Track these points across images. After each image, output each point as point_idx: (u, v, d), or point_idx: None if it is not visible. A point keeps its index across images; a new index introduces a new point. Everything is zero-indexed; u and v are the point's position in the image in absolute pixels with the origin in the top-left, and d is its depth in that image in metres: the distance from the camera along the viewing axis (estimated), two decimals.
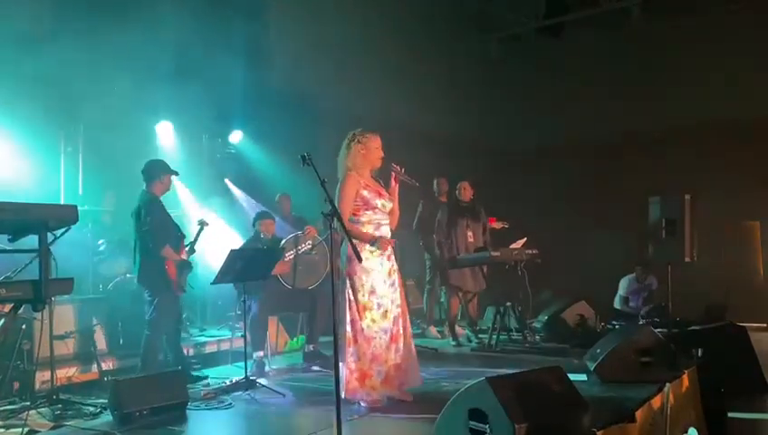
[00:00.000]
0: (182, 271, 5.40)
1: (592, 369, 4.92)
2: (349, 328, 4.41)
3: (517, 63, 9.56)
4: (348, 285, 4.44)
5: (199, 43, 7.12)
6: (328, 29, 8.06)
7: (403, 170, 4.57)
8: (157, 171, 5.31)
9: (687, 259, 6.37)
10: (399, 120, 8.61)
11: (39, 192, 6.27)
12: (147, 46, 6.64)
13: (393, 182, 4.60)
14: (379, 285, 4.43)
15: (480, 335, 7.17)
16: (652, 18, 8.80)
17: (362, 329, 4.39)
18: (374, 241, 4.42)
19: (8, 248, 3.20)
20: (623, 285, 8.00)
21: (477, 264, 7.04)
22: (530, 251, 6.87)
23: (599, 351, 5.06)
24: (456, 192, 7.42)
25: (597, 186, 8.57)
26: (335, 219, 3.64)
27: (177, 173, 5.47)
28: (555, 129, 8.97)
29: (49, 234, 3.03)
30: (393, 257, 4.62)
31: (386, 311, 4.45)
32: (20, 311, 3.37)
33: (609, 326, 7.26)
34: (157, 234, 5.17)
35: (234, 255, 5.21)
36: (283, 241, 6.29)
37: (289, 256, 6.22)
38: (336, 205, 4.10)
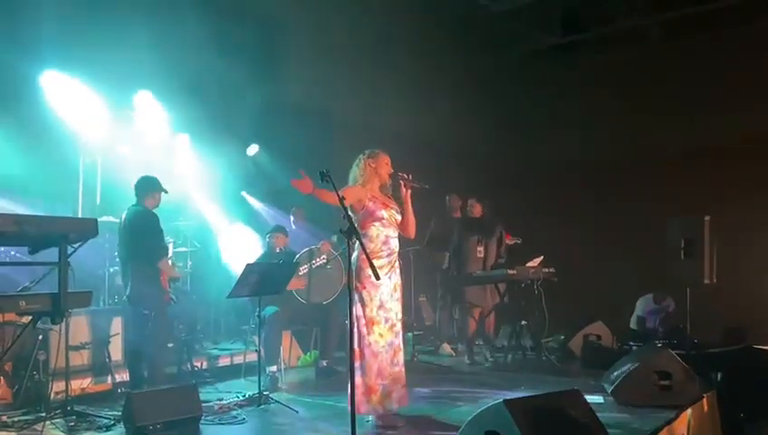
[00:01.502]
0: (172, 283, 5.50)
1: (610, 391, 4.86)
2: (356, 342, 4.36)
3: (533, 80, 9.54)
4: (356, 299, 4.40)
5: (216, 57, 7.20)
6: (344, 43, 8.10)
7: (410, 176, 4.57)
8: (150, 187, 5.30)
9: (707, 281, 6.29)
10: (415, 135, 8.62)
11: (58, 202, 6.35)
12: (164, 60, 6.73)
13: (403, 190, 4.57)
14: (386, 300, 4.42)
15: (495, 354, 7.11)
16: (671, 36, 8.76)
17: (370, 343, 4.37)
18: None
19: (29, 260, 3.21)
20: (640, 306, 7.91)
21: (493, 281, 7.00)
22: (546, 270, 6.81)
23: (616, 373, 5.00)
24: (467, 209, 7.39)
25: (615, 204, 8.50)
26: (354, 237, 3.63)
27: (166, 191, 5.44)
28: (572, 147, 8.92)
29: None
30: (399, 272, 4.60)
31: (392, 325, 4.45)
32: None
33: (625, 347, 7.16)
34: (157, 246, 5.19)
35: (249, 269, 5.22)
36: (297, 255, 6.29)
37: (303, 270, 6.23)
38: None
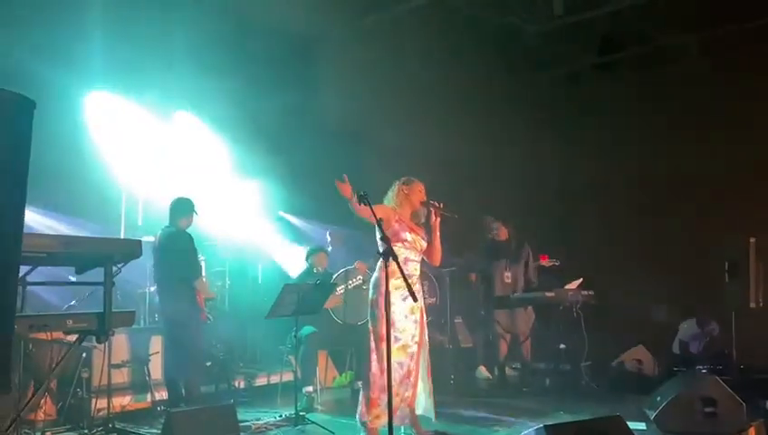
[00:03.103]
0: (207, 301, 5.61)
1: (652, 418, 4.74)
2: (372, 356, 4.47)
3: (571, 100, 9.48)
4: (372, 315, 4.53)
5: (252, 81, 7.33)
6: (379, 65, 8.17)
7: (442, 205, 4.66)
8: (184, 209, 5.43)
9: (753, 305, 6.11)
10: (450, 158, 8.61)
11: (101, 222, 6.51)
12: (204, 82, 6.88)
13: (434, 217, 4.66)
14: (398, 319, 4.47)
15: (533, 378, 6.99)
16: (711, 55, 8.61)
17: (378, 359, 4.44)
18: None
19: (75, 281, 3.30)
20: (683, 330, 7.70)
21: (532, 304, 6.91)
22: (586, 292, 6.70)
23: (659, 399, 4.88)
24: (493, 232, 7.27)
25: (656, 225, 8.33)
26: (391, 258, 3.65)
27: (197, 213, 5.54)
28: (612, 167, 8.80)
29: None
30: (420, 296, 4.65)
31: (404, 345, 4.50)
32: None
33: (667, 372, 6.98)
34: (192, 266, 5.29)
35: (287, 289, 5.27)
36: (334, 275, 6.32)
37: (340, 290, 6.25)
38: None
